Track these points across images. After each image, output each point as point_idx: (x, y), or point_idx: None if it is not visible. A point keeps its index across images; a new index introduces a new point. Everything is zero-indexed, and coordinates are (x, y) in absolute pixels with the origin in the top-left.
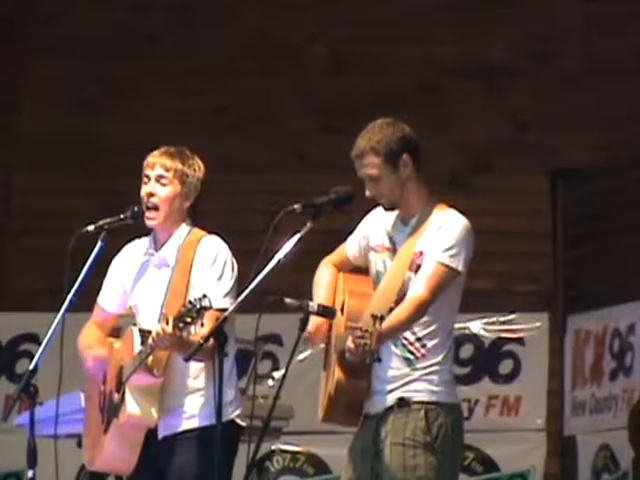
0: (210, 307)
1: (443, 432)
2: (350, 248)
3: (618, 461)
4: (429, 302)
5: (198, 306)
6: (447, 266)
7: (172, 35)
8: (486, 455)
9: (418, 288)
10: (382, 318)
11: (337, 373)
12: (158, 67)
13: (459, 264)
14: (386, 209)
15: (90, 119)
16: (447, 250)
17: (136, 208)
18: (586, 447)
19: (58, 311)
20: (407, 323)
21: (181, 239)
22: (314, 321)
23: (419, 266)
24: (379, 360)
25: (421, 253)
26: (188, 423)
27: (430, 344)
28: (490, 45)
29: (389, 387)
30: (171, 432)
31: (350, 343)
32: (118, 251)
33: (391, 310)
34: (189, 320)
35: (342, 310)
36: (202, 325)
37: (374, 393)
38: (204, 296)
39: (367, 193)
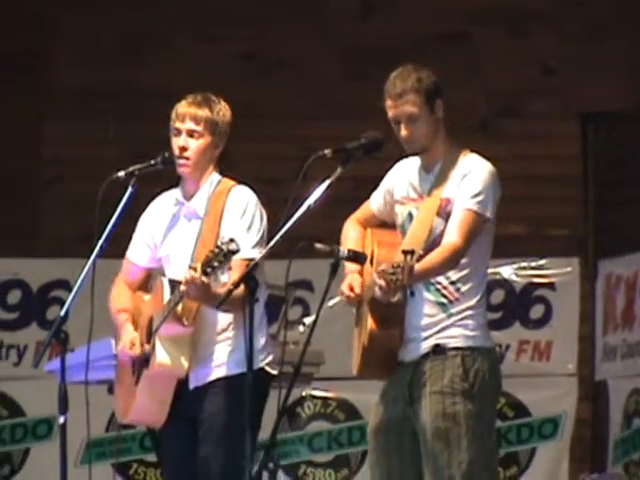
0: (237, 250)
1: (480, 377)
2: (375, 203)
3: None
4: (463, 249)
5: (225, 250)
6: (476, 212)
7: None
8: (517, 400)
9: (451, 236)
10: (413, 252)
11: (370, 323)
12: (185, 15)
13: (487, 210)
14: (414, 154)
15: (119, 68)
16: (474, 197)
17: (167, 154)
18: (617, 392)
19: (89, 258)
20: (441, 268)
21: (211, 189)
22: (347, 281)
23: (448, 213)
24: (412, 294)
25: (448, 200)
26: (218, 372)
27: (464, 288)
28: None
29: (424, 334)
30: (202, 382)
31: (381, 281)
32: (150, 199)
33: (421, 257)
34: (217, 264)
35: (371, 262)
36: (230, 269)
37: (408, 340)
38: (231, 240)
39: (402, 133)
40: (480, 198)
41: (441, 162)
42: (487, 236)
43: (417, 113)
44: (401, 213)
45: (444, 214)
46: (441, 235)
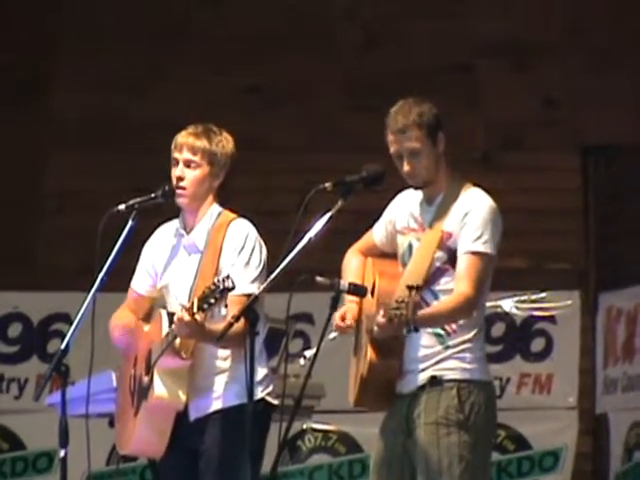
0: (233, 288)
1: (476, 410)
2: (377, 234)
3: None
4: (476, 298)
5: (221, 287)
6: (483, 254)
7: (203, 14)
8: (518, 433)
9: (461, 285)
10: (418, 288)
11: (369, 354)
12: (189, 46)
13: (493, 249)
14: (416, 188)
15: (121, 99)
16: (478, 238)
17: (167, 187)
18: (618, 425)
19: (89, 291)
20: (452, 314)
21: (211, 222)
22: (341, 311)
23: (448, 247)
24: (416, 330)
25: (450, 234)
26: (218, 403)
27: (462, 321)
28: (520, 22)
29: (421, 366)
30: (202, 414)
31: (381, 318)
32: (150, 232)
33: (419, 288)
34: (213, 301)
35: (372, 293)
36: (226, 306)
37: (406, 372)
38: (227, 277)
39: (405, 168)
40: (484, 238)
41: (442, 194)
42: (490, 269)
43: (419, 148)
44: (402, 244)
45: (445, 248)
46: (442, 269)
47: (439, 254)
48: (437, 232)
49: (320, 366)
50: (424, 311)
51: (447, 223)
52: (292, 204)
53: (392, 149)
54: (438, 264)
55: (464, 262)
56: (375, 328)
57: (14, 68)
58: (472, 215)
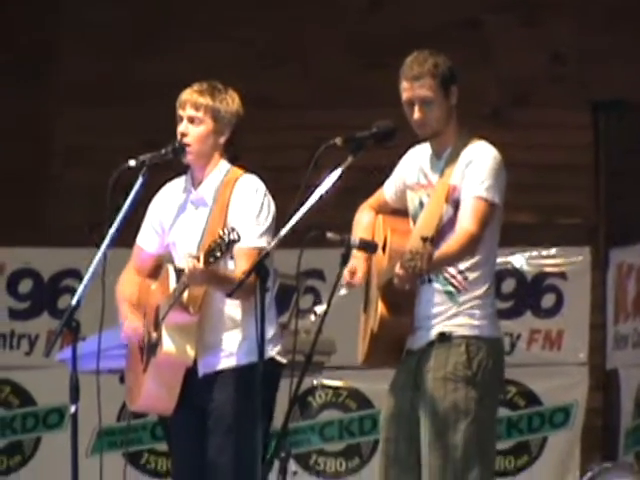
0: (238, 240)
1: (484, 366)
2: (387, 190)
3: None
4: (478, 235)
5: (227, 239)
6: (485, 199)
7: None
8: (528, 389)
9: (464, 223)
10: (432, 239)
11: (380, 310)
12: (193, 7)
13: (495, 196)
14: (424, 139)
15: (126, 59)
16: (481, 184)
17: (177, 143)
18: (629, 381)
19: (99, 246)
20: (458, 255)
21: (219, 178)
22: (350, 265)
23: (455, 200)
24: (430, 281)
25: (455, 187)
26: (227, 361)
27: (472, 276)
28: None
29: (431, 322)
30: (210, 370)
31: (398, 269)
32: (159, 188)
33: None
34: (219, 254)
35: (384, 248)
36: (232, 258)
37: (416, 329)
38: (232, 229)
39: (415, 115)
40: (487, 184)
41: (450, 148)
42: (495, 224)
43: (432, 97)
44: (412, 200)
45: (452, 201)
46: (450, 222)
47: (446, 208)
48: (444, 187)
49: (331, 322)
50: (435, 255)
51: (453, 177)
52: (300, 160)
53: (404, 96)
54: (446, 218)
55: (468, 204)
56: (395, 280)
57: (20, 33)
58: (475, 163)
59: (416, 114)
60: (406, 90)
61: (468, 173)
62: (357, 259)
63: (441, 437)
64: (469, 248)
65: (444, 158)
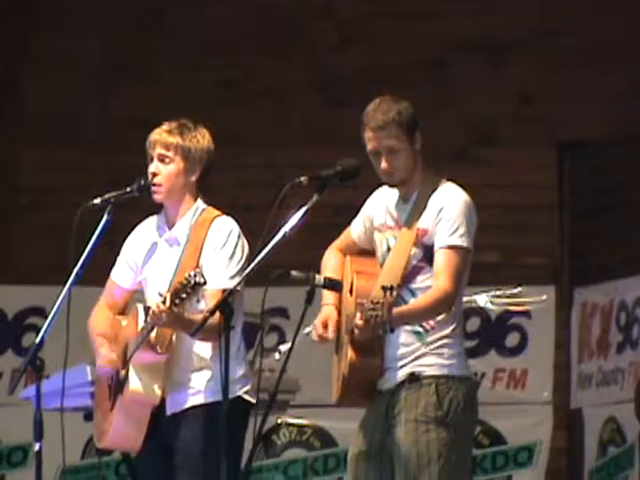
0: (204, 283)
1: (455, 405)
2: (355, 231)
3: (625, 434)
4: (454, 293)
5: (192, 282)
6: (459, 247)
7: (178, 10)
8: (493, 428)
9: (440, 280)
10: (392, 288)
11: (350, 353)
12: (164, 42)
13: (469, 242)
14: (391, 186)
15: (95, 95)
16: (454, 232)
17: (143, 181)
18: (593, 420)
19: (64, 285)
20: (432, 312)
21: (194, 218)
22: (321, 317)
23: (425, 244)
24: (392, 331)
25: (425, 231)
26: (194, 399)
27: (439, 317)
28: (494, 20)
29: (400, 363)
30: (178, 409)
31: (358, 320)
32: (129, 227)
33: (398, 287)
34: (184, 296)
35: (351, 291)
36: (198, 301)
37: (386, 370)
38: (199, 272)
39: (382, 165)
40: (460, 232)
41: (417, 192)
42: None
43: (398, 146)
44: (380, 242)
45: (420, 245)
46: (418, 265)
47: (415, 251)
48: (412, 230)
49: (295, 361)
50: (402, 308)
51: (422, 220)
52: (267, 199)
53: (370, 146)
54: (414, 262)
55: (441, 257)
56: (355, 330)
57: None
58: (447, 210)
59: (383, 164)
60: (371, 140)
61: (440, 220)
62: (328, 308)
63: None
64: (444, 306)
65: (411, 202)
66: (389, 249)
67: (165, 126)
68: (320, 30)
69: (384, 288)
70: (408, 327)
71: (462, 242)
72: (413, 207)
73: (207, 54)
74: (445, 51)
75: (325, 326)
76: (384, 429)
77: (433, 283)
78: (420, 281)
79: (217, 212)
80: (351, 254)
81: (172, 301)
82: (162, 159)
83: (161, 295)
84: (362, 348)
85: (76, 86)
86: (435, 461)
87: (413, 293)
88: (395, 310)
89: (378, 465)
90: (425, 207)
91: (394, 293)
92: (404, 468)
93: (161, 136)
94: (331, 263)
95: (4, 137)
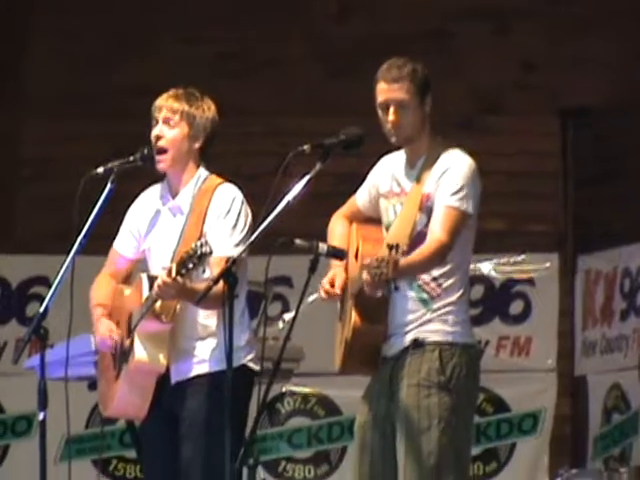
0: (211, 253)
1: (457, 372)
2: (360, 198)
3: (629, 401)
4: (449, 245)
5: (199, 252)
6: (457, 209)
7: None
8: (497, 396)
9: (435, 232)
10: (398, 246)
11: (354, 318)
12: (165, 15)
13: (468, 206)
14: (397, 146)
15: (97, 68)
16: (455, 193)
17: (146, 150)
18: (597, 387)
19: (68, 254)
20: (428, 264)
21: (197, 186)
22: (329, 275)
23: (429, 209)
24: (397, 289)
25: (429, 196)
26: (199, 368)
27: (446, 283)
28: None
29: (405, 329)
30: (183, 377)
31: (366, 275)
32: (133, 196)
33: (404, 253)
34: (191, 266)
35: (356, 257)
36: (204, 271)
37: (390, 336)
38: (205, 242)
39: (390, 118)
40: (461, 195)
41: (424, 157)
42: (469, 232)
43: (408, 100)
44: (386, 209)
45: (425, 209)
46: (423, 231)
47: (420, 216)
48: (417, 195)
49: (299, 329)
50: (402, 261)
51: (426, 185)
52: (270, 167)
53: (380, 98)
54: (420, 228)
55: (439, 213)
56: (365, 287)
57: None
58: (450, 172)
59: (391, 116)
60: (382, 92)
61: (442, 182)
62: (336, 268)
63: (416, 445)
64: (439, 257)
65: (418, 166)
66: (395, 215)
67: (172, 92)
68: (320, 0)
69: (389, 246)
70: (413, 294)
71: (461, 204)
72: (419, 172)
73: (207, 26)
74: (448, 20)
75: (332, 284)
76: (388, 396)
77: (428, 235)
78: None
79: (220, 180)
80: (357, 221)
81: (178, 272)
82: (167, 122)
83: (165, 268)
84: (366, 313)
85: (77, 59)
86: (436, 424)
87: None
88: (401, 264)
89: (383, 432)
90: (430, 171)
91: (400, 251)
92: (405, 431)
93: (167, 101)
94: (338, 230)
95: (6, 109)
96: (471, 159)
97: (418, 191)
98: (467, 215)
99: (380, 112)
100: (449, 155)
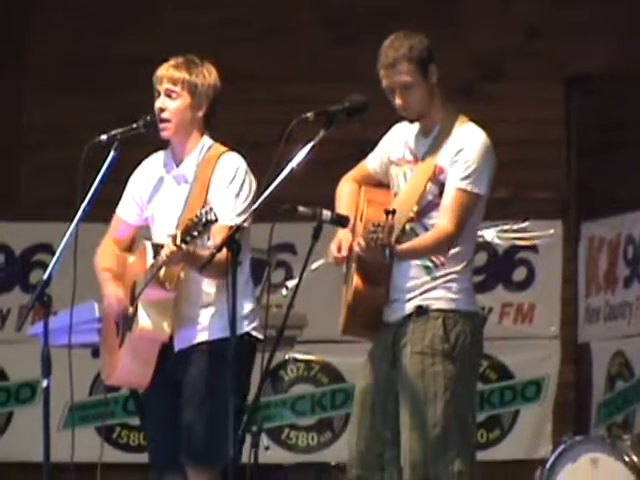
0: (216, 220)
1: (462, 340)
2: (371, 163)
3: (632, 368)
4: (456, 236)
5: (204, 220)
6: (469, 192)
7: None
8: (500, 363)
9: (444, 220)
10: (394, 212)
11: (355, 280)
12: None
13: (481, 188)
14: (411, 120)
15: (100, 36)
16: (468, 176)
17: (149, 117)
18: (600, 354)
19: (71, 222)
20: (431, 251)
21: (201, 154)
22: (336, 240)
23: (441, 182)
24: (391, 257)
25: (442, 169)
26: (202, 336)
27: (451, 252)
28: None
29: (408, 295)
30: (186, 345)
31: (362, 240)
32: (136, 163)
33: (411, 220)
34: (196, 234)
35: (361, 219)
36: (209, 239)
37: (393, 301)
38: (210, 209)
39: (397, 101)
40: (474, 177)
41: (438, 127)
42: (478, 207)
43: (410, 81)
44: (396, 175)
45: (436, 181)
46: (433, 201)
47: (431, 187)
48: (430, 166)
49: (302, 296)
50: (405, 244)
51: (440, 157)
52: (274, 135)
53: (384, 83)
54: (430, 197)
55: (449, 196)
56: (356, 248)
57: None
58: (465, 152)
59: (397, 100)
60: (384, 78)
61: (457, 161)
62: (344, 232)
63: (421, 414)
64: (443, 246)
65: (431, 137)
66: (405, 182)
67: (172, 61)
68: None
69: (386, 212)
70: (418, 261)
71: (473, 187)
72: (433, 142)
73: None
74: None
75: (339, 249)
76: (390, 361)
77: (437, 221)
78: (435, 217)
79: (224, 148)
80: (366, 185)
81: (183, 239)
82: (169, 94)
83: (170, 236)
84: (368, 276)
85: (79, 29)
86: (441, 394)
87: (427, 229)
88: (399, 247)
89: (384, 397)
90: (444, 144)
91: (395, 216)
92: (409, 400)
93: (168, 71)
94: (345, 192)
95: (9, 79)
96: (485, 135)
97: (431, 162)
98: (479, 197)
99: (388, 95)
100: (464, 131)
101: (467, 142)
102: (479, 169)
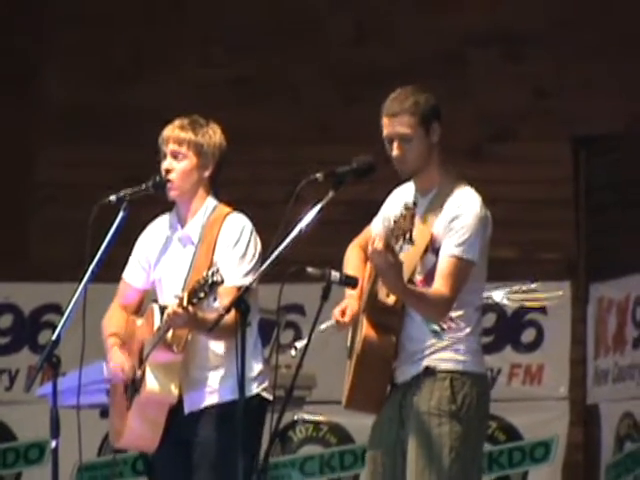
0: (222, 282)
1: (468, 401)
2: (375, 229)
3: None
4: (451, 301)
5: (210, 281)
6: (461, 259)
7: (196, 3)
8: (509, 424)
9: (440, 286)
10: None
11: (365, 330)
12: (182, 38)
13: (474, 255)
14: (406, 178)
15: (112, 89)
16: (462, 244)
17: (158, 178)
18: (609, 415)
19: (80, 282)
20: (430, 306)
21: (205, 216)
22: (341, 305)
23: (437, 250)
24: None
25: (437, 238)
26: (212, 398)
27: (457, 316)
28: (510, 13)
29: (416, 357)
30: (196, 407)
31: (378, 242)
32: (144, 223)
33: (411, 282)
34: (202, 295)
35: (369, 281)
36: (215, 300)
37: (401, 363)
38: (216, 271)
39: (394, 152)
40: (466, 246)
41: (436, 189)
42: (480, 270)
43: (410, 134)
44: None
45: (433, 250)
46: (433, 269)
47: (429, 257)
48: (427, 234)
49: (311, 357)
50: (414, 287)
51: (436, 224)
52: (282, 195)
53: (384, 132)
54: (430, 266)
55: (444, 263)
56: (369, 249)
57: (4, 61)
58: (459, 220)
59: (395, 151)
60: (385, 126)
61: (452, 229)
62: (350, 298)
63: (426, 474)
64: (441, 309)
65: (429, 198)
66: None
67: (177, 122)
68: (334, 25)
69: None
70: (425, 326)
71: (466, 254)
72: (430, 204)
73: (221, 50)
74: (461, 45)
75: (343, 313)
76: (399, 422)
77: (434, 284)
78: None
79: (228, 209)
80: None
81: (189, 301)
82: (175, 155)
83: (177, 297)
84: (379, 324)
85: (93, 80)
86: (446, 454)
87: None
88: (408, 286)
89: (394, 459)
90: (441, 208)
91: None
92: (415, 460)
93: (173, 132)
94: (352, 260)
95: (21, 132)
96: (480, 204)
97: (428, 228)
98: (472, 264)
99: (386, 145)
100: (460, 197)
101: (462, 209)
102: (472, 238)
